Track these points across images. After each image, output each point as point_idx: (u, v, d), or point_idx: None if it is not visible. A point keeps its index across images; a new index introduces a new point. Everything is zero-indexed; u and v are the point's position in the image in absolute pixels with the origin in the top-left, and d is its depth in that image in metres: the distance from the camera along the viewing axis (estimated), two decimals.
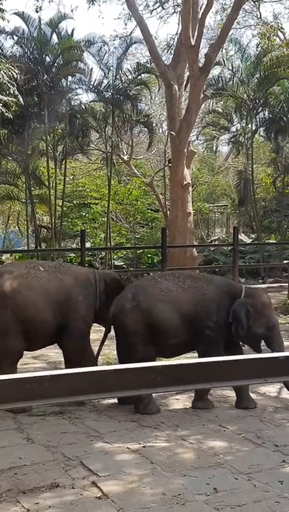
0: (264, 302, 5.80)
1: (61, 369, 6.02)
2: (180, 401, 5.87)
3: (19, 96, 13.21)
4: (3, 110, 12.89)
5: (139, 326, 5.56)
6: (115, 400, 5.72)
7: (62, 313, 5.81)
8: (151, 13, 20.00)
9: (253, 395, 5.82)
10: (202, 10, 14.22)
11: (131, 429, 5.09)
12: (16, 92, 13.12)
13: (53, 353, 7.33)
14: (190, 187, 15.31)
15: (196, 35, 13.68)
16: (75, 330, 5.87)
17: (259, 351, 5.71)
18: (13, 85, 13.11)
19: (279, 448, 4.62)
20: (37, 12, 15.95)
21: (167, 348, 5.67)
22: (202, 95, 14.46)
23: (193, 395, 5.72)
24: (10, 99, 12.84)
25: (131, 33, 19.54)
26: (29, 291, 5.68)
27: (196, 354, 5.85)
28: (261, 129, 19.30)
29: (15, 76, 13.41)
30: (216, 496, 3.82)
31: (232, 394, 5.81)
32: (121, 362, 5.79)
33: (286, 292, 11.85)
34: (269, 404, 5.77)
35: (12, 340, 5.65)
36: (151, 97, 21.26)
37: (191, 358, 5.12)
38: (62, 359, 7.16)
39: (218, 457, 4.46)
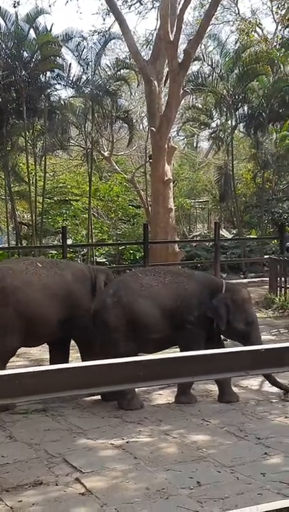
0: (244, 297, 5.84)
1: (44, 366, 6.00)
2: (163, 396, 5.88)
3: None
4: None
5: (120, 322, 5.57)
6: (98, 397, 5.72)
7: (64, 308, 5.82)
8: (129, 8, 19.97)
9: (235, 389, 5.85)
10: (180, 5, 14.26)
11: (114, 425, 5.09)
12: None
13: (36, 350, 7.31)
14: (171, 183, 15.34)
15: (174, 30, 13.70)
16: (85, 325, 5.87)
17: (244, 344, 5.75)
18: None
19: (261, 440, 4.65)
20: (14, 7, 15.86)
21: (149, 344, 5.67)
22: (182, 91, 14.50)
23: (176, 389, 5.74)
24: None
25: (109, 28, 19.51)
26: (29, 288, 5.69)
27: (178, 349, 5.87)
28: (241, 124, 19.35)
29: None
30: (199, 490, 3.84)
31: (214, 388, 5.84)
32: (102, 358, 5.77)
33: (267, 287, 11.93)
34: (251, 398, 5.81)
35: (9, 338, 5.64)
36: (131, 93, 21.23)
37: (173, 353, 5.13)
38: (45, 356, 7.16)
39: (201, 451, 4.48)
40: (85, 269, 6.33)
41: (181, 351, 5.60)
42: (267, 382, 6.13)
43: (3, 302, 5.59)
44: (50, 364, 5.90)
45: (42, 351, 7.26)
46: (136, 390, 5.48)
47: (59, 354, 6.06)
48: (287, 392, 5.82)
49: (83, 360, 5.94)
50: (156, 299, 5.65)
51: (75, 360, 6.20)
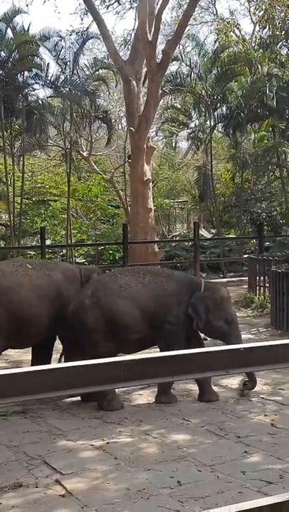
0: (223, 296, 5.86)
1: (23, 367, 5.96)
2: (143, 396, 5.88)
3: None
4: None
5: (99, 323, 5.55)
6: (78, 398, 5.70)
7: (54, 308, 5.82)
8: (107, 8, 19.93)
9: (215, 388, 5.87)
10: (159, 6, 14.26)
11: (94, 426, 5.08)
12: None
13: (14, 352, 7.26)
14: (150, 183, 15.34)
15: (152, 31, 13.71)
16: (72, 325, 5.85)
17: (225, 343, 5.76)
18: None
19: (241, 439, 4.67)
20: None
21: (128, 344, 5.67)
22: (160, 91, 14.51)
23: (156, 389, 5.74)
24: None
25: (87, 28, 19.44)
26: (20, 289, 5.68)
27: (158, 349, 5.87)
28: (220, 124, 19.45)
29: None
30: (179, 489, 3.84)
31: (195, 387, 5.85)
32: (81, 359, 5.75)
33: (246, 286, 11.99)
34: (231, 397, 5.83)
35: None
36: (110, 93, 21.19)
37: (153, 353, 5.13)
38: (24, 358, 7.11)
39: (182, 450, 4.49)
40: (75, 268, 6.36)
41: (160, 351, 5.60)
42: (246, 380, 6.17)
43: None
44: (32, 365, 5.87)
45: (21, 353, 7.22)
46: (116, 390, 5.47)
47: (43, 354, 6.03)
48: (245, 389, 5.82)
49: (67, 360, 5.92)
50: (135, 299, 5.65)
51: (54, 361, 6.17)
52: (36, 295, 5.74)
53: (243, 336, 7.74)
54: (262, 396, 5.81)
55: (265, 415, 5.25)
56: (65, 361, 5.81)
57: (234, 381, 6.22)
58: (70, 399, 5.72)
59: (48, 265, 6.26)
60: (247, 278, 12.26)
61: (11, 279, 5.71)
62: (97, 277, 6.12)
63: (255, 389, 5.93)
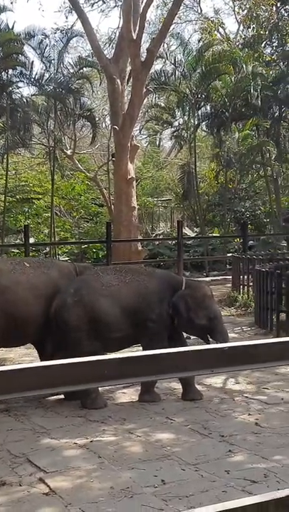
0: (204, 294, 5.86)
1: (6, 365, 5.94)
2: (127, 395, 5.87)
3: None
4: None
5: (81, 321, 5.55)
6: (62, 396, 5.68)
7: (51, 307, 5.80)
8: (92, 6, 19.96)
9: (198, 387, 5.88)
10: (143, 4, 14.26)
11: (78, 425, 5.07)
12: None
13: None
14: (134, 181, 15.35)
15: (137, 29, 13.71)
16: None
17: (207, 342, 5.78)
18: None
19: (225, 438, 4.68)
20: None
21: (111, 342, 5.66)
22: (144, 89, 14.52)
23: (139, 388, 5.73)
24: None
25: (72, 26, 19.44)
26: (18, 287, 5.69)
27: (141, 348, 5.87)
28: (203, 123, 19.48)
29: None
30: (163, 488, 3.84)
31: (178, 386, 5.85)
32: (63, 357, 5.72)
33: (230, 285, 12.02)
34: (215, 396, 5.84)
35: None
36: (94, 91, 21.16)
37: (136, 351, 5.14)
38: (8, 356, 7.08)
39: (166, 449, 4.49)
40: (70, 266, 6.40)
41: (143, 349, 5.60)
42: (230, 379, 6.19)
43: None
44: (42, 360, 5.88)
45: (5, 351, 7.18)
46: (99, 388, 5.46)
47: (48, 353, 6.01)
48: None
49: (49, 358, 5.90)
50: (117, 297, 5.65)
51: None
52: (34, 294, 5.76)
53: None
54: (246, 395, 5.83)
55: (250, 414, 5.26)
56: (46, 359, 5.81)
57: (218, 380, 6.24)
58: (53, 397, 5.70)
59: (45, 263, 6.29)
60: (231, 277, 12.30)
61: (8, 278, 5.72)
62: (80, 276, 6.11)
63: (239, 388, 5.95)
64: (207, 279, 14.17)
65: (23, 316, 5.69)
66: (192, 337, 6.45)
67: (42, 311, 5.76)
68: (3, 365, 6.61)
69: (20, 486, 3.92)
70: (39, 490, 3.86)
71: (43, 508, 3.62)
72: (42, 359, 5.95)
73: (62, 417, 5.26)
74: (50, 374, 2.18)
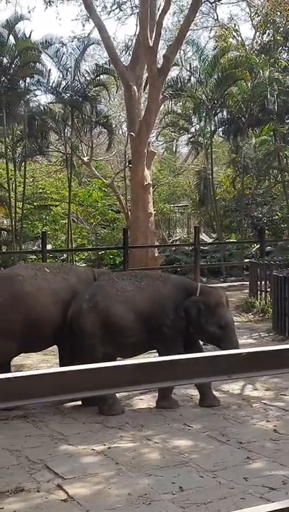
0: (217, 300, 5.80)
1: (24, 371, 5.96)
2: (144, 401, 5.87)
3: None
4: None
5: (96, 327, 5.56)
6: (79, 402, 5.69)
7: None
8: (108, 14, 20.07)
9: (216, 393, 5.85)
10: (160, 11, 14.30)
11: (95, 431, 5.07)
12: None
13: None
14: (151, 188, 15.36)
15: (154, 36, 13.74)
16: None
17: (223, 348, 5.73)
18: None
19: (243, 445, 4.65)
20: None
21: (126, 348, 5.67)
22: (161, 96, 14.53)
23: (157, 394, 5.72)
24: None
25: (89, 34, 19.57)
26: (39, 293, 5.75)
27: (157, 353, 5.86)
28: (220, 129, 19.45)
29: None
30: (181, 495, 3.83)
31: (196, 392, 5.84)
32: (78, 363, 5.74)
33: (247, 291, 11.97)
34: (232, 402, 5.81)
35: (9, 344, 5.66)
36: (110, 98, 21.23)
37: (153, 357, 5.13)
38: (26, 362, 7.11)
39: (183, 456, 4.47)
40: (88, 271, 6.45)
41: (159, 355, 5.60)
42: (248, 386, 6.16)
43: (14, 307, 5.62)
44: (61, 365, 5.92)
45: (22, 357, 7.21)
46: (117, 395, 5.46)
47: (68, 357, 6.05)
48: None
49: (64, 364, 5.93)
50: (132, 303, 5.66)
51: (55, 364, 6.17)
52: (55, 299, 5.82)
53: (245, 341, 7.76)
54: (264, 401, 5.80)
55: (268, 421, 5.23)
56: (62, 365, 5.84)
57: (235, 386, 6.22)
58: (71, 403, 5.71)
59: (64, 269, 6.33)
60: (248, 282, 12.24)
61: (31, 284, 5.79)
62: (95, 282, 6.12)
63: (257, 394, 5.92)
64: (224, 284, 14.13)
65: (44, 321, 5.73)
66: (209, 345, 6.41)
67: (62, 316, 5.80)
68: (21, 371, 6.64)
69: (39, 492, 3.93)
70: (57, 496, 3.86)
71: None
72: (62, 363, 5.97)
73: (80, 424, 5.27)
74: (68, 380, 2.18)
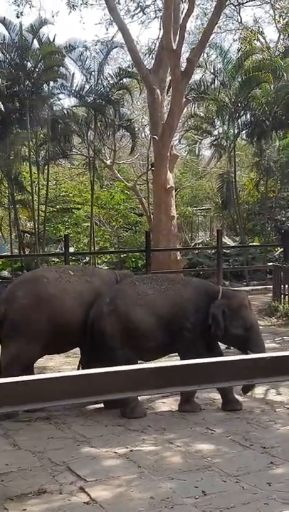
0: (241, 303, 5.79)
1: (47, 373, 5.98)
2: (166, 404, 5.85)
3: (0, 103, 13.09)
4: None
5: (116, 330, 5.56)
6: (101, 405, 5.69)
7: None
8: (132, 18, 20.14)
9: (239, 397, 5.82)
10: (183, 14, 14.31)
11: (118, 434, 5.07)
12: None
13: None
14: (173, 191, 15.35)
15: (177, 39, 13.74)
16: None
17: (245, 353, 5.71)
18: None
19: (266, 450, 4.61)
20: (18, 18, 15.99)
21: (146, 351, 5.67)
22: (184, 99, 14.53)
23: (179, 398, 5.71)
24: None
25: (112, 37, 19.63)
26: (64, 295, 5.79)
27: (178, 356, 5.85)
28: (243, 132, 19.37)
29: None
30: (204, 499, 3.81)
31: (218, 396, 5.80)
32: (100, 366, 5.73)
33: (270, 294, 11.89)
34: (256, 406, 5.77)
35: (34, 345, 5.70)
36: (133, 102, 21.27)
37: (177, 361, 5.11)
38: (48, 364, 7.14)
39: (206, 460, 4.45)
40: (111, 274, 6.47)
41: (180, 358, 5.58)
42: (271, 390, 6.11)
43: (38, 309, 5.66)
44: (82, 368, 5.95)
45: (45, 359, 7.23)
46: (139, 398, 5.45)
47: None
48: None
49: (84, 367, 5.96)
50: (152, 306, 5.65)
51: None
52: (79, 301, 5.84)
53: (268, 345, 7.66)
54: (287, 406, 5.75)
55: None
56: (83, 368, 5.86)
57: (259, 391, 6.17)
58: (93, 405, 5.72)
59: (87, 271, 6.37)
60: (271, 286, 12.16)
61: (55, 286, 5.82)
62: (116, 285, 6.13)
63: (281, 399, 5.87)
64: (247, 288, 14.05)
65: (68, 323, 5.75)
66: (232, 348, 6.38)
67: (85, 319, 5.82)
68: (43, 373, 6.66)
69: (61, 494, 3.94)
70: (79, 499, 3.87)
71: None
72: (84, 366, 5.98)
73: (102, 426, 5.27)
74: (91, 382, 2.19)
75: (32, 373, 5.67)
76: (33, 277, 6.14)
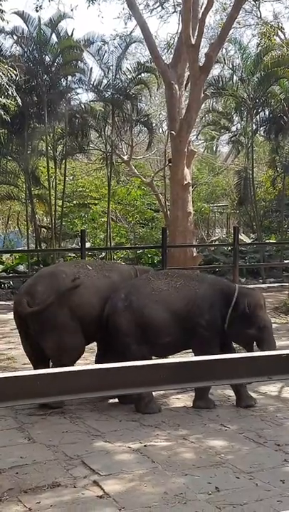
0: (256, 302, 5.76)
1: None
2: (181, 400, 5.85)
3: (18, 98, 13.10)
4: (2, 113, 12.84)
5: (131, 326, 5.56)
6: (116, 400, 5.71)
7: None
8: (151, 12, 20.05)
9: (253, 394, 5.81)
10: (202, 9, 14.20)
11: (132, 429, 5.08)
12: (15, 94, 13.01)
13: None
14: (190, 187, 15.28)
15: (196, 34, 13.66)
16: None
17: (252, 351, 5.69)
18: (12, 87, 13.00)
19: (280, 447, 4.61)
20: (37, 11, 15.91)
21: (160, 347, 5.67)
22: (202, 94, 14.44)
23: (194, 394, 5.70)
24: (8, 101, 12.74)
25: (131, 32, 19.57)
26: (83, 290, 5.79)
27: (192, 353, 5.84)
28: (261, 128, 19.26)
29: (14, 77, 13.29)
30: (217, 495, 3.81)
31: (232, 393, 5.79)
32: (114, 361, 5.74)
33: (287, 292, 11.83)
34: (270, 404, 5.76)
35: (73, 337, 5.72)
36: (151, 97, 21.22)
37: (193, 357, 5.10)
38: None
39: (220, 456, 4.45)
40: (131, 269, 6.47)
41: (195, 355, 5.57)
42: (286, 387, 6.08)
43: (60, 304, 5.67)
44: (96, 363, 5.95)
45: None
46: (153, 393, 5.46)
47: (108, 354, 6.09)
48: None
49: (100, 361, 5.97)
50: (167, 302, 5.64)
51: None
52: (98, 296, 5.84)
53: (283, 343, 7.67)
54: None
55: None
56: (97, 362, 5.87)
57: (273, 388, 6.15)
58: (107, 400, 5.74)
59: (106, 266, 6.38)
60: (287, 284, 12.10)
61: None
62: (131, 281, 6.12)
63: None
64: (263, 285, 14.00)
65: (86, 317, 5.76)
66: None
67: (103, 314, 5.82)
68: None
69: (75, 487, 3.96)
70: (93, 492, 3.88)
71: (96, 511, 3.64)
72: (99, 360, 5.98)
73: (117, 421, 5.29)
74: (107, 377, 2.19)
75: (47, 367, 5.68)
76: (51, 272, 6.11)
